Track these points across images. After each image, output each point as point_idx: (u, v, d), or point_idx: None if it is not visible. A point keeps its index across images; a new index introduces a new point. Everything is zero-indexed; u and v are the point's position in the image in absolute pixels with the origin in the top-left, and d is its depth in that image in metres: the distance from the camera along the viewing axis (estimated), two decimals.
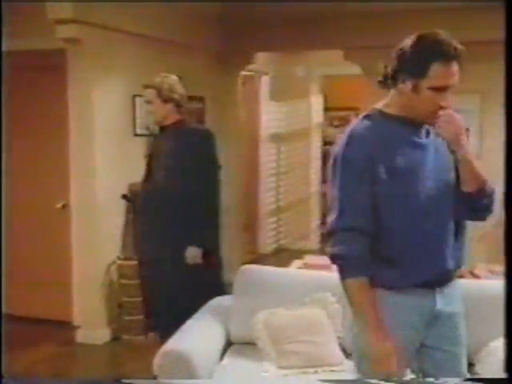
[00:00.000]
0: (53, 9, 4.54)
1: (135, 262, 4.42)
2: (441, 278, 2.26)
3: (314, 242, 8.52)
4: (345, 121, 10.27)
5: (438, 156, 2.24)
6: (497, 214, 2.34)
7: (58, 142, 5.12)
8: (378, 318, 2.15)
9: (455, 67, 2.10)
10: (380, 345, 2.13)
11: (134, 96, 5.12)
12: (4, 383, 2.84)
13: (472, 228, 2.40)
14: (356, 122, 2.28)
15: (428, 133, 2.25)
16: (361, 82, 6.73)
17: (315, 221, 8.62)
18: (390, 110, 2.25)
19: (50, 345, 4.89)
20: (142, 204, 4.07)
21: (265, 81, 8.03)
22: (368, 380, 2.19)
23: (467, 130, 2.22)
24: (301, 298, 3.48)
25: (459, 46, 2.10)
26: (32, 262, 5.27)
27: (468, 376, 2.44)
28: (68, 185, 5.10)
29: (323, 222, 8.91)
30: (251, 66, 7.07)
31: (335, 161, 2.22)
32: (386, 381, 2.09)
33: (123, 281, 4.97)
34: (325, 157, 9.20)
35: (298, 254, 6.27)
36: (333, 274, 4.19)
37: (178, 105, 3.88)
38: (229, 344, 3.53)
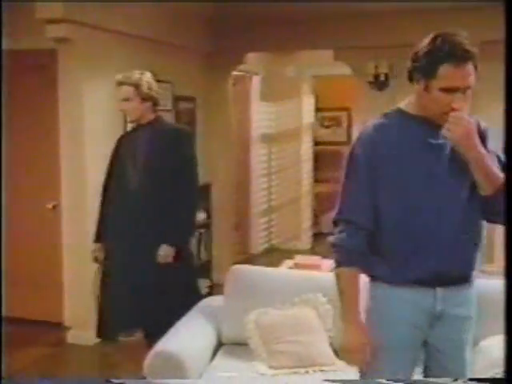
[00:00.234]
0: (43, 8, 4.53)
1: None
2: (441, 278, 2.24)
3: (305, 242, 8.54)
4: (336, 121, 10.32)
5: (454, 157, 2.21)
6: None
7: (48, 141, 5.10)
8: (355, 310, 2.28)
9: (466, 69, 2.09)
10: (350, 337, 2.26)
11: None
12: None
13: None
14: (372, 121, 2.34)
15: None
16: (351, 83, 6.76)
17: (306, 221, 8.63)
18: (409, 109, 2.28)
19: (41, 345, 4.87)
20: (115, 202, 3.84)
21: (256, 81, 8.03)
22: (372, 380, 2.26)
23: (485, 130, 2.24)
24: (292, 298, 3.48)
25: (472, 49, 2.09)
26: (23, 263, 5.25)
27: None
28: (59, 185, 5.08)
29: (314, 223, 8.94)
30: (242, 67, 7.07)
31: (346, 158, 2.34)
32: (397, 381, 2.12)
33: None
34: (316, 157, 9.24)
35: (289, 254, 6.28)
36: (323, 274, 4.22)
37: (155, 103, 3.82)
38: (220, 344, 3.53)
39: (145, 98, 3.73)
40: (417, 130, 2.24)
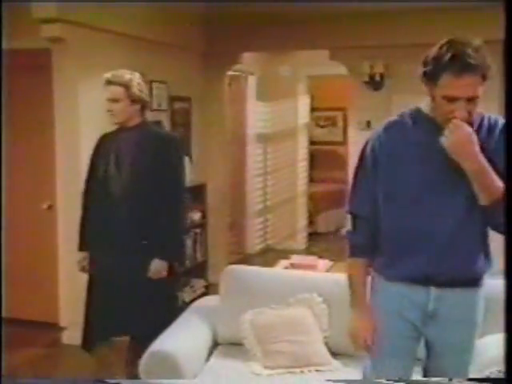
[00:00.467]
0: (37, 8, 4.53)
1: None
2: (434, 279, 2.26)
3: (300, 242, 8.54)
4: (331, 121, 10.33)
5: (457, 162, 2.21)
6: None
7: (43, 141, 5.09)
8: (360, 297, 2.42)
9: (467, 80, 2.09)
10: (355, 323, 2.41)
11: None
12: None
13: None
14: (387, 119, 2.40)
15: None
16: (347, 82, 6.76)
17: (302, 221, 8.63)
18: (426, 110, 2.29)
19: (36, 346, 4.86)
20: (97, 208, 3.61)
21: (251, 81, 8.03)
22: (373, 380, 2.35)
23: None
24: (287, 298, 3.48)
25: (477, 60, 2.08)
26: (18, 263, 5.23)
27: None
28: (54, 185, 5.07)
29: (310, 222, 8.94)
30: (237, 66, 7.07)
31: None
32: (397, 381, 2.15)
33: None
34: (311, 157, 9.24)
35: (285, 253, 6.29)
36: (319, 274, 4.22)
37: (144, 106, 3.62)
38: (215, 344, 3.53)
39: (134, 99, 3.52)
40: (426, 132, 2.25)
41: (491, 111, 2.33)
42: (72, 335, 4.95)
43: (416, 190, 2.25)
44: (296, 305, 3.46)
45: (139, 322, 3.54)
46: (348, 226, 2.46)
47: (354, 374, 3.07)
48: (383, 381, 2.22)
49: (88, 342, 3.67)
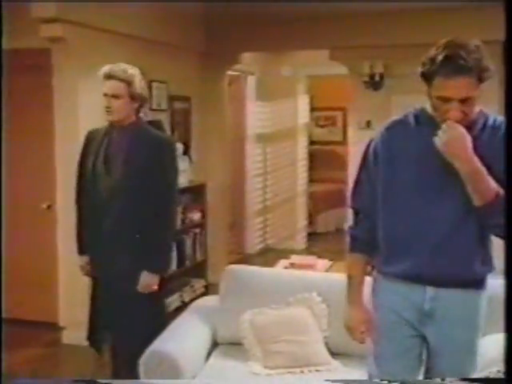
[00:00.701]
0: (37, 8, 4.53)
1: None
2: (428, 278, 2.27)
3: (300, 241, 8.54)
4: (331, 120, 10.33)
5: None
6: None
7: (43, 141, 5.08)
8: (356, 292, 2.45)
9: (459, 82, 2.09)
10: (351, 316, 2.46)
11: None
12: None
13: None
14: (392, 118, 2.43)
15: None
16: (347, 82, 6.76)
17: (302, 221, 8.63)
18: (429, 110, 2.30)
19: (36, 346, 4.86)
20: (88, 209, 3.44)
21: (251, 81, 8.03)
22: (372, 380, 2.37)
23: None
24: (287, 297, 3.48)
25: (469, 62, 2.08)
26: (17, 263, 5.23)
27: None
28: (54, 185, 5.06)
29: (310, 222, 8.94)
30: (237, 66, 7.07)
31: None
32: (391, 381, 2.15)
33: None
34: (311, 156, 9.24)
35: (284, 253, 6.29)
36: (318, 274, 4.21)
37: (142, 105, 3.42)
38: (215, 344, 3.53)
39: (135, 97, 3.31)
40: (427, 132, 2.24)
41: (491, 111, 2.33)
42: (71, 335, 4.95)
43: (412, 190, 2.27)
44: (295, 305, 3.46)
45: (123, 334, 3.40)
46: (350, 221, 2.51)
47: (354, 373, 3.07)
48: (382, 381, 2.22)
49: (94, 341, 3.59)
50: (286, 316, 3.41)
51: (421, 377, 2.44)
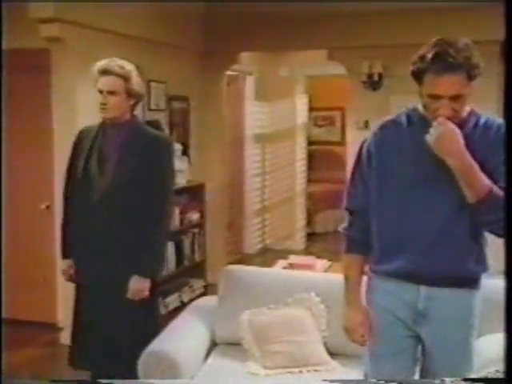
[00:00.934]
0: (35, 8, 4.52)
1: None
2: (422, 277, 2.28)
3: (299, 242, 8.54)
4: (329, 120, 10.33)
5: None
6: None
7: (41, 141, 5.08)
8: (355, 293, 2.45)
9: (448, 79, 2.11)
10: (349, 317, 2.45)
11: None
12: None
13: None
14: (385, 118, 2.44)
15: None
16: (345, 82, 6.76)
17: (300, 221, 8.63)
18: (421, 109, 2.31)
19: (34, 346, 4.86)
20: (78, 211, 3.28)
21: (249, 81, 8.03)
22: (369, 380, 2.34)
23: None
24: (285, 298, 3.49)
25: (459, 60, 2.10)
26: (16, 264, 5.23)
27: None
28: (52, 185, 5.06)
29: (308, 222, 8.94)
30: (236, 66, 7.07)
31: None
32: (388, 381, 2.14)
33: None
34: (310, 156, 9.25)
35: (283, 254, 6.28)
36: (317, 274, 4.21)
37: (138, 102, 3.29)
38: (214, 344, 3.53)
39: (132, 94, 3.18)
40: (420, 130, 2.25)
41: (490, 111, 2.34)
42: (70, 335, 4.95)
43: (406, 189, 2.28)
44: (294, 305, 3.46)
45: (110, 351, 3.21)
46: (345, 222, 2.50)
47: (352, 373, 3.08)
48: (380, 381, 2.22)
49: (73, 360, 3.38)
50: (285, 316, 3.41)
51: (416, 376, 2.44)
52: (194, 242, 6.19)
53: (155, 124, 5.63)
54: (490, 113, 2.34)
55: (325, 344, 3.36)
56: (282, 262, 5.04)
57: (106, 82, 3.16)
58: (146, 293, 3.16)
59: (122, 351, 3.21)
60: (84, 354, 3.32)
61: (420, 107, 2.32)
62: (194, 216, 6.13)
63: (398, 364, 2.39)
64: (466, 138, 2.18)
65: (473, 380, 2.10)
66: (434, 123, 2.17)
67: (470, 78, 2.13)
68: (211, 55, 6.60)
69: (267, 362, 3.27)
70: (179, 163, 5.90)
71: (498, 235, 2.19)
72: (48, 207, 5.13)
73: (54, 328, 5.14)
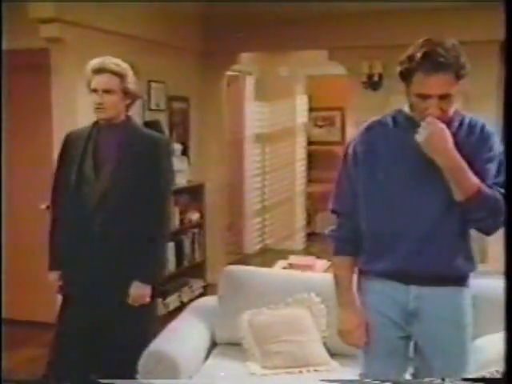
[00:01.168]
0: (35, 8, 4.53)
1: None
2: (411, 277, 2.29)
3: (298, 242, 8.54)
4: (329, 121, 10.32)
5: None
6: None
7: (41, 141, 5.08)
8: (348, 295, 2.43)
9: (437, 79, 2.13)
10: (344, 319, 2.42)
11: None
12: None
13: None
14: (370, 120, 2.46)
15: None
16: (345, 82, 6.76)
17: (300, 221, 8.63)
18: (407, 109, 2.33)
19: (35, 346, 4.85)
20: (71, 219, 3.14)
21: (249, 81, 8.03)
22: (368, 380, 2.33)
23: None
24: (286, 298, 3.49)
25: (448, 59, 2.12)
26: (15, 263, 5.23)
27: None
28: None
29: (308, 222, 8.94)
30: (236, 67, 7.07)
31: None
32: (385, 381, 2.15)
33: None
34: (309, 157, 9.24)
35: (283, 254, 6.28)
36: (317, 274, 4.21)
37: (133, 102, 3.17)
38: (213, 345, 3.53)
39: (127, 92, 3.06)
40: (406, 131, 2.27)
41: (489, 112, 2.35)
42: None
43: (394, 189, 2.29)
44: (294, 305, 3.46)
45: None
46: (331, 225, 2.50)
47: (352, 374, 3.06)
48: (377, 381, 2.22)
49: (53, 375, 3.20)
50: (285, 316, 3.41)
51: (408, 376, 2.44)
52: (194, 242, 6.19)
53: (155, 124, 5.64)
54: (490, 112, 2.35)
55: (325, 344, 3.35)
56: (281, 262, 5.03)
57: (101, 81, 3.02)
58: (148, 299, 3.09)
59: (121, 355, 3.10)
60: (70, 368, 3.13)
61: (406, 108, 2.33)
62: (194, 216, 6.14)
63: (390, 364, 2.39)
64: (453, 137, 2.20)
65: (472, 380, 2.10)
66: (423, 123, 2.18)
67: (458, 77, 2.16)
68: (211, 55, 6.60)
69: (267, 362, 3.27)
70: (179, 163, 5.90)
71: (485, 233, 2.26)
72: (48, 207, 5.11)
73: (52, 328, 5.13)
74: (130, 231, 3.04)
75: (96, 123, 3.15)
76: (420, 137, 2.18)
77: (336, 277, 2.47)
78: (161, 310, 4.17)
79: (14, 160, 5.21)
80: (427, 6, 5.58)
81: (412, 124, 2.25)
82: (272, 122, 8.45)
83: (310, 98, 9.03)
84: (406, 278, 2.30)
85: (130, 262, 3.04)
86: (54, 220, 3.28)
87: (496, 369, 2.18)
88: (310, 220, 9.06)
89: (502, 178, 2.23)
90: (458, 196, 2.19)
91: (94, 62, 3.07)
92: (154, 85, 5.71)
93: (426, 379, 2.29)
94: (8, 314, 5.05)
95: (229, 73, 7.15)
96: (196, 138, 6.58)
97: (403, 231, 2.27)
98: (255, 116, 8.21)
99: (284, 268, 4.80)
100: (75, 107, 4.86)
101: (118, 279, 3.04)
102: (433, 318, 2.31)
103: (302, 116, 8.61)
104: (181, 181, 5.90)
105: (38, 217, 5.16)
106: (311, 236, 8.92)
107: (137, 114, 5.46)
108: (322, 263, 5.11)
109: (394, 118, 2.37)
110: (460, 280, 2.33)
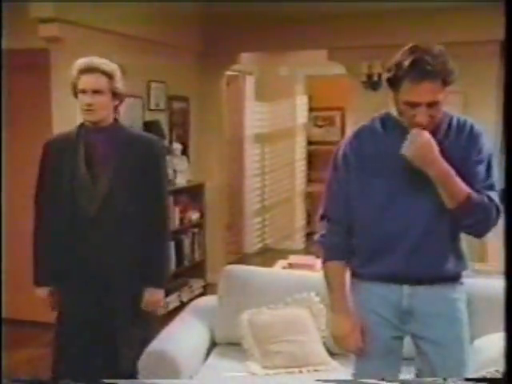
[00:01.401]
0: (35, 8, 4.53)
1: None
2: (405, 277, 2.31)
3: (298, 241, 8.54)
4: (329, 120, 10.32)
5: None
6: None
7: (42, 142, 5.06)
8: (341, 300, 2.42)
9: (425, 87, 2.13)
10: (338, 324, 2.41)
11: None
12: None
13: None
14: (360, 124, 2.44)
15: None
16: (345, 82, 6.76)
17: (300, 221, 8.63)
18: (395, 113, 2.32)
19: (35, 346, 4.85)
20: (66, 231, 2.97)
21: (249, 81, 8.03)
22: (366, 380, 2.30)
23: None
24: (285, 297, 3.49)
25: (435, 67, 2.12)
26: (15, 263, 5.23)
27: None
28: None
29: (308, 222, 8.94)
30: (236, 66, 7.07)
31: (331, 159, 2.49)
32: (385, 381, 2.15)
33: None
34: (309, 157, 9.24)
35: (283, 253, 6.28)
36: (317, 274, 4.21)
37: (120, 103, 3.02)
38: (213, 344, 3.53)
39: (116, 93, 2.93)
40: (395, 136, 2.27)
41: (489, 112, 2.35)
42: None
43: (385, 194, 2.29)
44: (294, 305, 3.46)
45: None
46: (320, 230, 2.47)
47: None
48: (376, 381, 2.22)
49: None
50: (285, 316, 3.41)
51: (402, 376, 2.45)
52: (194, 241, 6.19)
53: (155, 124, 5.64)
54: (490, 112, 2.35)
55: (325, 344, 3.35)
56: (281, 262, 5.04)
57: (90, 81, 2.89)
58: (162, 303, 3.07)
59: (121, 355, 3.03)
60: (73, 368, 3.03)
61: (393, 112, 2.33)
62: (194, 216, 6.14)
63: (384, 364, 2.40)
64: (441, 141, 2.21)
65: (474, 380, 2.10)
66: (409, 135, 2.18)
67: (445, 84, 2.16)
68: (211, 55, 6.60)
69: (267, 362, 3.27)
70: (179, 163, 5.91)
71: (476, 236, 2.29)
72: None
73: (53, 328, 5.13)
74: (138, 236, 2.95)
75: (81, 126, 3.03)
76: (407, 150, 2.19)
77: (328, 283, 2.46)
78: (160, 310, 4.16)
79: (15, 160, 5.21)
80: (427, 5, 5.58)
81: (401, 130, 2.25)
82: (272, 122, 8.45)
83: (310, 98, 9.03)
84: (399, 279, 2.32)
85: (137, 265, 2.95)
86: (40, 230, 3.09)
87: (496, 369, 2.18)
88: (309, 220, 9.05)
89: (491, 181, 2.25)
90: (449, 204, 2.21)
91: (81, 62, 2.96)
92: (153, 85, 5.71)
93: (428, 379, 2.30)
94: (8, 314, 5.04)
95: (229, 73, 7.15)
96: (196, 138, 6.58)
97: (395, 236, 2.29)
98: (255, 116, 8.21)
99: (284, 268, 4.80)
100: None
101: (124, 284, 2.95)
102: (428, 314, 2.32)
103: (301, 116, 8.61)
104: (181, 181, 5.90)
105: None
106: (311, 235, 8.91)
107: (137, 114, 5.48)
108: None
109: (382, 123, 2.37)
110: (452, 278, 2.35)
